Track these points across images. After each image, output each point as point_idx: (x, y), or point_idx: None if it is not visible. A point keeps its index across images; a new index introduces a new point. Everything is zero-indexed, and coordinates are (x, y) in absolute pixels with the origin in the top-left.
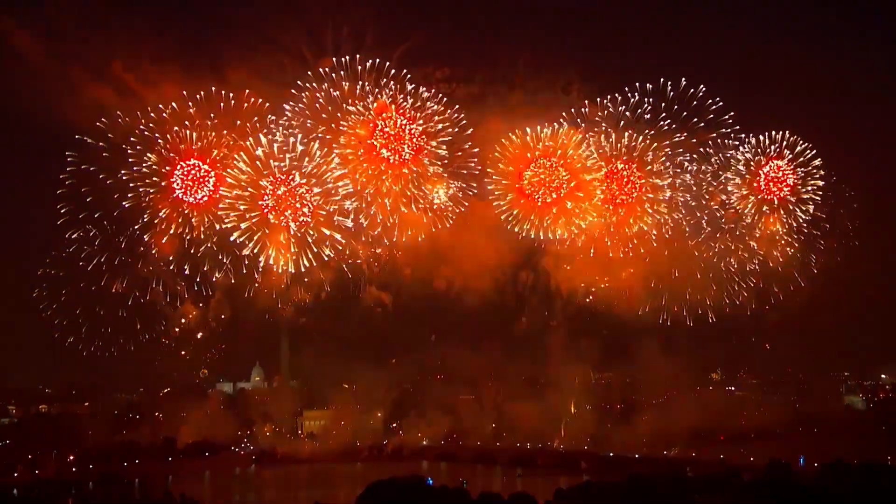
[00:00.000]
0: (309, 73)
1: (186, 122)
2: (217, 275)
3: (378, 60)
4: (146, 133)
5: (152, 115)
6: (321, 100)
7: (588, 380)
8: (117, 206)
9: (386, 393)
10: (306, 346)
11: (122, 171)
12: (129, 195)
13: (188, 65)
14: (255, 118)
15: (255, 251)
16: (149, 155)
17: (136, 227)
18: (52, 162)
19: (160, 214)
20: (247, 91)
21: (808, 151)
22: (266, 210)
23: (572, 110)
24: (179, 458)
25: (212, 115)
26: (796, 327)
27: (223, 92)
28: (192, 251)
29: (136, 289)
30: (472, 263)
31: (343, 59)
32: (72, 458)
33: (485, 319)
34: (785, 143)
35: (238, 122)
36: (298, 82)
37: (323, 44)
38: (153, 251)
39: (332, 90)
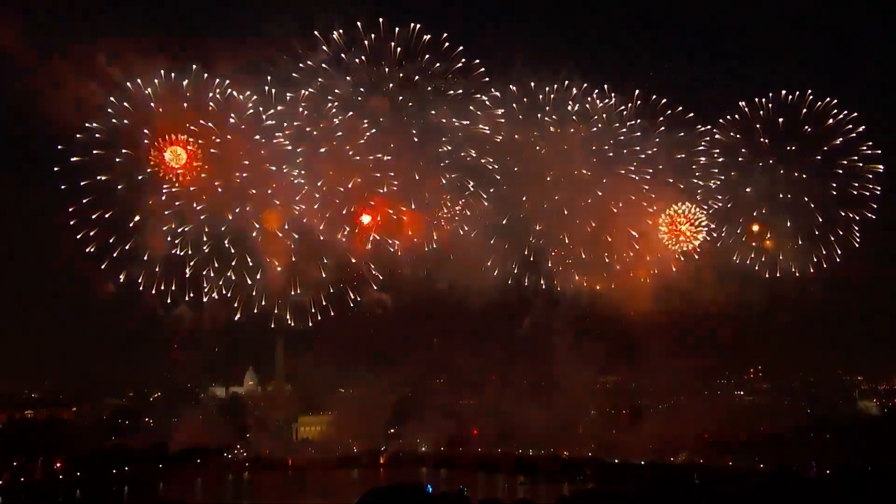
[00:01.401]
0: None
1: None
2: (212, 274)
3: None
4: (134, 127)
5: (140, 108)
6: (315, 92)
7: (593, 384)
8: (106, 203)
9: (385, 397)
10: (303, 349)
11: (110, 168)
12: (119, 193)
13: (175, 57)
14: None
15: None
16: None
17: (127, 225)
18: (35, 159)
19: (152, 211)
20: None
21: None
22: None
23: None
24: (170, 463)
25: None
26: (808, 329)
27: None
28: (187, 250)
29: (128, 290)
30: (476, 264)
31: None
32: (59, 464)
33: (487, 321)
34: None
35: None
36: (294, 74)
37: (313, 36)
38: (146, 250)
39: (325, 82)
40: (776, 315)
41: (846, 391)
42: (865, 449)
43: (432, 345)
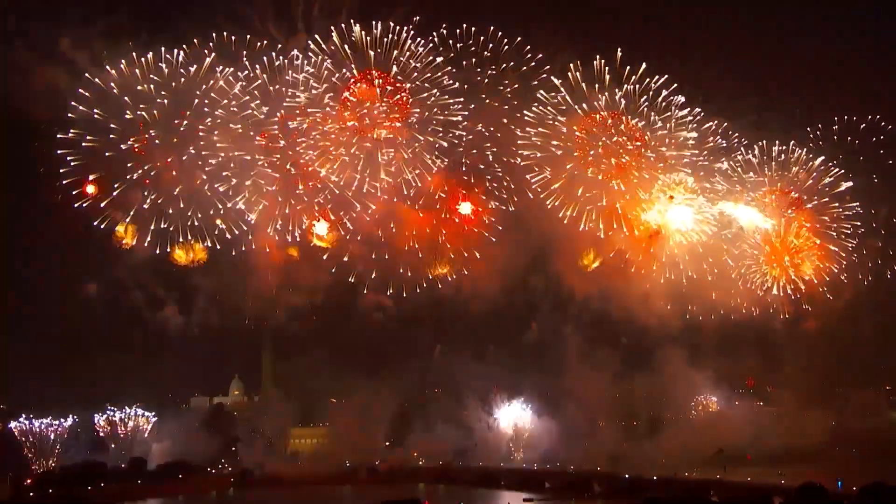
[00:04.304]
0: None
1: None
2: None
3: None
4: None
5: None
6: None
7: (604, 393)
8: (85, 200)
9: (382, 408)
10: (296, 356)
11: (86, 160)
12: (98, 188)
13: (144, 43)
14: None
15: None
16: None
17: (108, 220)
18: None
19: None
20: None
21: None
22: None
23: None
24: (150, 480)
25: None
26: (834, 336)
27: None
28: (171, 247)
29: (111, 292)
30: (480, 265)
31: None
32: (29, 481)
33: (492, 326)
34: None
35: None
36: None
37: (293, 20)
38: (128, 249)
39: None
40: (800, 322)
41: (874, 402)
42: (895, 464)
43: (434, 352)
